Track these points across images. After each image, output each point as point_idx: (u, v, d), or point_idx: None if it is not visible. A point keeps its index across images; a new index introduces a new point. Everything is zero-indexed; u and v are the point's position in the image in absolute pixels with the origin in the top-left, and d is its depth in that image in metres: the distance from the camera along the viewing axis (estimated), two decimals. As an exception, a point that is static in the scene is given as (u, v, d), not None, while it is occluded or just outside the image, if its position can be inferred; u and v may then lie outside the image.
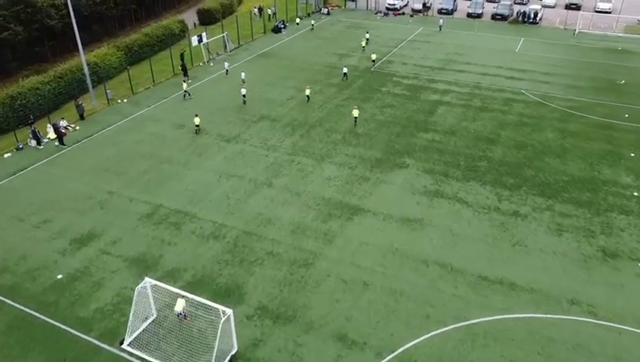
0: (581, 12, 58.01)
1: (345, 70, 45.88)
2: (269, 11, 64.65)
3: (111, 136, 35.47)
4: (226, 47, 52.84)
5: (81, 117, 38.00)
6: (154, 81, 44.84)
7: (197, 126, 35.90)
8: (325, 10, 68.08)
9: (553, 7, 70.80)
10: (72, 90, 41.42)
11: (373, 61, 49.50)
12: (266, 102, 40.93)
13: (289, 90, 43.27)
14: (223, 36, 52.39)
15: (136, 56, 49.61)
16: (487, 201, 27.94)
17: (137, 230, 25.81)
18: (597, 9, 68.42)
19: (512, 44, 55.51)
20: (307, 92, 41.21)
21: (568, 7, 70.09)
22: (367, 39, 56.59)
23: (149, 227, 26.04)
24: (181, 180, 30.08)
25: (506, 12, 64.25)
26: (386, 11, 68.20)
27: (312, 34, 59.89)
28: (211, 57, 50.37)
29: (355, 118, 37.08)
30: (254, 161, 32.18)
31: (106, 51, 46.99)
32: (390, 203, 27.80)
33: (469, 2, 69.61)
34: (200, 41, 48.76)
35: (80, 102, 37.88)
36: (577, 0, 70.73)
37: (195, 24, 63.16)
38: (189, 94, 41.61)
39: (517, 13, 63.88)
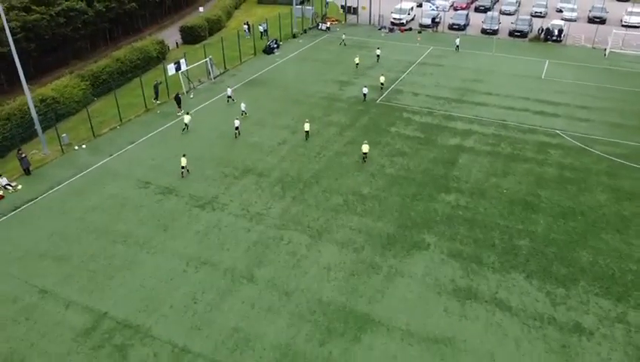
0: (613, 30, 51.26)
1: (365, 90, 41.07)
2: (260, 28, 57.79)
3: (58, 201, 28.61)
4: (209, 73, 46.01)
5: (26, 171, 31.19)
6: (121, 119, 37.99)
7: (183, 167, 30.53)
8: (323, 26, 61.27)
9: (575, 20, 64.03)
10: (22, 134, 34.67)
11: (382, 85, 43.06)
12: (253, 148, 34.13)
13: (281, 130, 36.46)
14: (207, 61, 45.56)
15: (104, 86, 42.78)
16: (537, 306, 21.14)
17: (68, 360, 18.98)
18: (624, 23, 61.69)
19: (536, 67, 48.73)
20: (306, 127, 35.05)
21: (592, 20, 63.39)
22: (378, 55, 50.20)
23: (85, 353, 19.22)
24: (136, 272, 23.24)
25: (525, 28, 57.47)
26: (392, 27, 61.39)
27: (309, 54, 53.08)
28: (192, 87, 43.55)
29: (365, 153, 31.86)
30: (233, 239, 25.36)
31: (67, 82, 40.18)
32: (410, 309, 21.01)
33: (483, 17, 62.86)
34: (178, 69, 41.91)
35: (23, 155, 31.01)
36: (602, 13, 64.04)
37: (177, 43, 56.32)
38: (187, 127, 36.37)
39: (538, 30, 57.06)
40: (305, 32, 60.67)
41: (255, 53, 52.86)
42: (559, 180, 30.20)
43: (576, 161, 32.23)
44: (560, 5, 70.03)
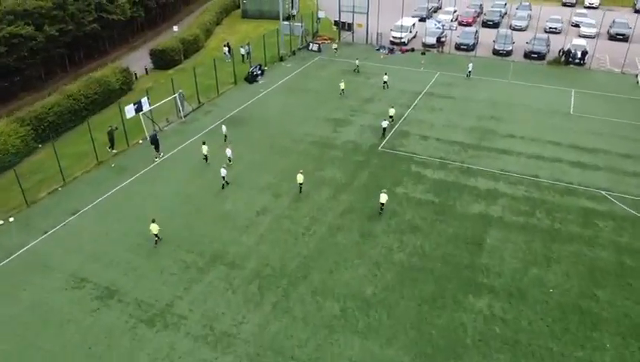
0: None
1: (384, 124, 35.73)
2: (242, 51, 50.64)
3: (-42, 313, 21.46)
4: (179, 110, 38.85)
5: None
6: (64, 178, 30.78)
7: (155, 236, 24.92)
8: (315, 47, 54.18)
9: (594, 37, 57.38)
10: None
11: (391, 119, 36.78)
12: (225, 220, 27.07)
13: (261, 193, 29.42)
14: (176, 96, 38.38)
15: (52, 129, 35.63)
16: None
17: None
18: (650, 40, 55.13)
19: (561, 98, 41.93)
20: (299, 179, 29.00)
21: (613, 37, 56.79)
22: (385, 82, 43.43)
23: None
24: None
25: (542, 49, 50.70)
26: (391, 47, 54.44)
27: (298, 83, 46.02)
28: (156, 130, 36.41)
29: (382, 204, 27.37)
30: (188, 384, 18.33)
31: (2, 128, 32.96)
32: None
33: (492, 33, 56.08)
34: (139, 110, 34.75)
35: None
36: (624, 29, 57.43)
37: (147, 69, 49.09)
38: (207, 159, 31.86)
39: (559, 52, 50.29)
40: (294, 53, 53.55)
41: (235, 82, 45.67)
42: (619, 271, 23.36)
43: (636, 239, 25.40)
44: (576, 20, 63.38)
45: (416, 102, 41.36)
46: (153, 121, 36.37)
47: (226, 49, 50.85)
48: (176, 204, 28.48)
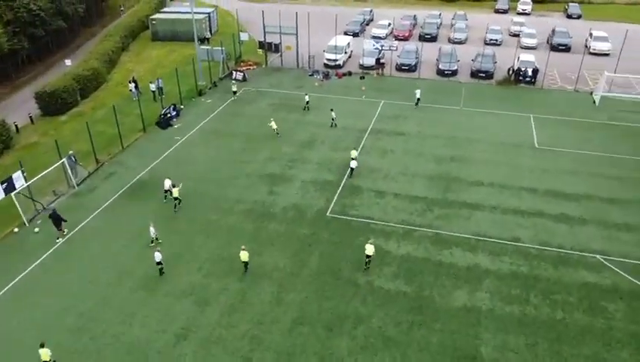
0: (605, 72, 41.16)
1: (353, 165, 31.10)
2: (152, 87, 42.52)
3: None
4: (70, 178, 30.45)
5: None
6: None
7: None
8: (239, 75, 46.92)
9: (535, 48, 54.25)
10: None
11: (352, 170, 31.07)
12: (129, 356, 19.56)
13: (180, 302, 22.04)
14: (64, 161, 29.94)
15: None
16: None
17: None
18: (592, 50, 52.61)
19: (521, 128, 37.44)
20: (243, 257, 23.44)
21: (555, 48, 53.81)
22: (333, 119, 36.96)
23: None
24: None
25: (490, 67, 46.43)
26: (326, 71, 48.26)
27: (222, 124, 38.69)
28: (38, 211, 27.95)
29: (369, 256, 23.52)
30: None
31: None
32: None
33: (432, 49, 51.37)
34: (10, 189, 26.20)
35: None
36: (566, 39, 54.67)
37: (31, 118, 39.81)
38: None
39: (509, 70, 46.17)
40: (215, 84, 46.01)
41: (145, 129, 37.58)
42: (653, 386, 18.33)
43: (657, 329, 20.61)
44: (515, 29, 60.25)
45: (363, 143, 35.32)
46: (33, 200, 27.88)
47: (133, 85, 42.52)
48: (61, 323, 20.60)
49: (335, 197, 29.22)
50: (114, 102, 40.57)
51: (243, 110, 40.84)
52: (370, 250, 23.51)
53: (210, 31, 59.79)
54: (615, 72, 42.82)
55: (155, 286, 22.93)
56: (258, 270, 23.85)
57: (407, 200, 28.99)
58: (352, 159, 31.48)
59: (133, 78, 43.94)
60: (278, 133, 35.89)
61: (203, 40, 55.35)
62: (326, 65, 49.40)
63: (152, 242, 25.36)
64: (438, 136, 36.30)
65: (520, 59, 46.33)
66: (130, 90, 42.52)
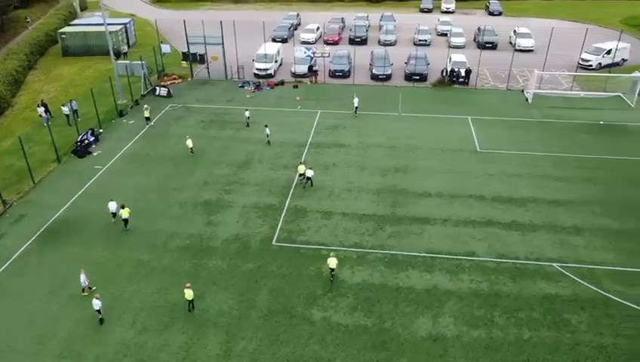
0: (535, 71, 41.55)
1: (310, 173, 30.60)
2: (65, 110, 38.26)
3: None
4: (-28, 226, 26.35)
5: None
6: None
7: None
8: (163, 91, 43.56)
9: (464, 47, 54.69)
10: None
11: (301, 176, 29.53)
12: None
13: (114, 366, 19.21)
14: (-38, 207, 25.82)
15: None
16: None
17: None
18: (517, 47, 53.64)
19: (461, 131, 36.97)
20: (189, 295, 21.42)
21: (482, 46, 54.38)
22: (268, 135, 34.66)
23: None
24: None
25: (424, 69, 45.95)
26: (257, 81, 45.90)
27: (148, 147, 35.35)
28: None
29: (332, 269, 22.95)
30: None
31: None
32: None
33: (364, 53, 50.31)
34: None
35: None
36: (492, 37, 55.45)
37: None
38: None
39: (442, 72, 45.89)
40: (136, 102, 42.35)
41: (59, 159, 33.55)
42: (628, 404, 17.70)
43: (618, 334, 20.11)
44: (442, 29, 60.59)
45: (303, 158, 33.36)
46: None
47: (42, 110, 38.15)
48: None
49: (280, 223, 27.09)
50: (21, 129, 36.59)
51: (170, 130, 37.68)
52: (332, 263, 22.66)
53: (128, 43, 55.60)
54: (543, 69, 43.49)
55: (81, 351, 19.81)
56: (202, 316, 21.32)
57: (356, 219, 27.37)
58: (300, 175, 29.77)
59: (42, 100, 39.54)
60: (192, 153, 33.37)
61: (120, 54, 51.23)
62: (257, 75, 47.04)
63: (83, 291, 22.28)
64: (380, 145, 35.04)
65: (452, 59, 46.16)
66: (40, 115, 38.11)
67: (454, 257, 24.56)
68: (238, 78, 46.71)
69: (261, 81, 46.09)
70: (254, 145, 35.02)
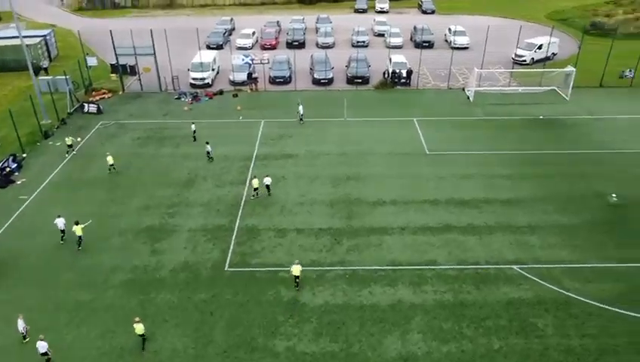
0: (475, 69, 42.02)
1: (267, 181, 29.50)
2: (-19, 135, 34.74)
3: None
4: None
5: None
6: None
7: None
8: (92, 108, 40.49)
9: (401, 47, 54.79)
10: None
11: (256, 190, 28.44)
12: None
13: None
14: None
15: None
16: None
17: None
18: (453, 45, 54.37)
19: (408, 133, 36.64)
20: (139, 330, 19.96)
21: (419, 45, 54.69)
22: (209, 152, 32.73)
23: None
24: None
25: (366, 72, 45.43)
26: (194, 92, 43.71)
27: (79, 171, 32.48)
28: None
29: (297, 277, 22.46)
30: None
31: None
32: None
33: (303, 56, 49.22)
34: None
35: None
36: (428, 36, 55.86)
37: None
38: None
39: (384, 73, 45.56)
40: (63, 121, 39.05)
41: (-25, 193, 30.29)
42: (602, 408, 17.58)
43: (583, 334, 20.11)
44: (379, 29, 60.53)
45: (249, 173, 31.77)
46: None
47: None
48: None
49: (231, 246, 25.46)
50: None
51: (103, 150, 34.85)
52: (296, 270, 22.25)
53: (49, 57, 51.60)
54: (482, 67, 44.09)
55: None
56: (153, 359, 19.41)
57: (312, 235, 26.18)
58: (255, 189, 28.66)
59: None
60: (111, 170, 31.43)
61: (40, 69, 47.35)
62: (193, 86, 44.80)
63: (24, 339, 19.86)
64: (329, 153, 34.05)
65: (392, 61, 45.92)
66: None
67: (416, 267, 23.92)
68: (174, 90, 44.30)
69: (198, 91, 43.93)
70: (197, 161, 33.04)
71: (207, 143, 33.08)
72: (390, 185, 30.38)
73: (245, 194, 29.57)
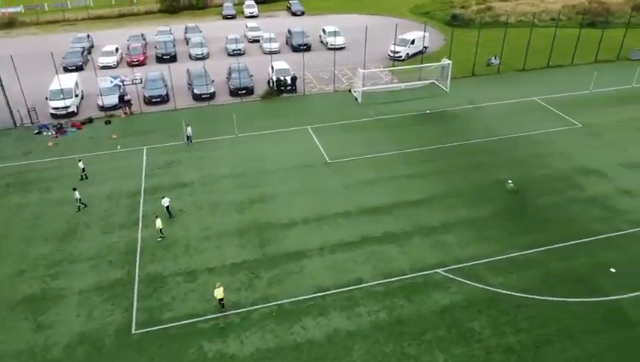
0: (359, 69, 41.75)
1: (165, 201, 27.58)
2: None
3: None
4: None
5: None
6: None
7: None
8: None
9: (279, 52, 53.36)
10: None
11: (161, 231, 25.73)
12: None
13: None
14: None
15: None
16: None
17: None
18: (330, 46, 54.30)
19: (306, 144, 35.26)
20: None
21: (297, 49, 53.85)
22: (78, 199, 28.19)
23: None
24: None
25: (249, 82, 43.18)
26: (58, 123, 38.22)
27: None
28: None
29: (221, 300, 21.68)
30: None
31: None
32: None
33: (178, 71, 45.72)
34: None
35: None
36: (305, 39, 55.07)
37: None
38: None
39: (269, 82, 43.73)
40: None
41: None
42: (553, 405, 17.64)
43: (515, 330, 20.26)
44: (252, 35, 58.46)
45: (141, 212, 28.14)
46: None
47: None
48: None
49: (135, 302, 22.07)
50: None
51: (-49, 208, 28.91)
52: (219, 293, 20.90)
53: None
54: (364, 67, 44.18)
55: None
56: None
57: (225, 272, 23.67)
58: (160, 230, 25.63)
59: None
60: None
61: None
62: (55, 116, 39.15)
63: None
64: (226, 176, 31.50)
65: (275, 68, 44.27)
66: None
67: (344, 290, 22.60)
68: (32, 123, 38.36)
69: (63, 122, 38.48)
70: (75, 206, 28.50)
71: (75, 190, 28.16)
72: (298, 202, 28.77)
73: (140, 237, 26.06)
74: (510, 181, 29.96)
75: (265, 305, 21.83)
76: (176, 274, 23.61)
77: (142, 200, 29.16)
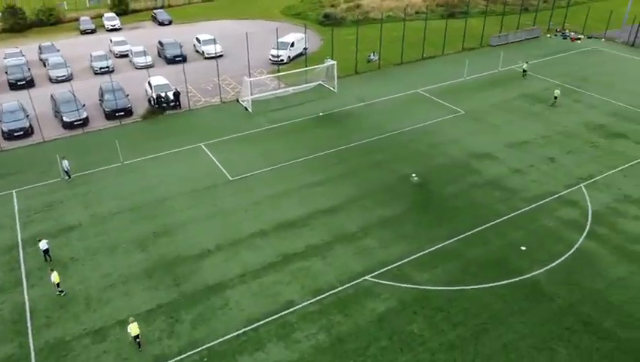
0: (245, 78, 39.74)
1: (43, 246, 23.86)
2: None
3: None
4: None
5: None
6: None
7: None
8: None
9: (152, 66, 49.66)
10: None
11: (61, 289, 20.13)
12: None
13: None
14: None
15: None
16: None
17: None
18: (206, 55, 51.94)
19: (203, 163, 32.89)
20: None
21: (171, 61, 50.70)
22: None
23: None
24: None
25: (126, 103, 39.31)
26: None
27: None
28: None
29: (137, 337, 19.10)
30: None
31: None
32: None
33: (50, 103, 40.41)
34: None
35: None
36: (179, 50, 51.78)
37: None
38: None
39: (149, 100, 40.28)
40: None
41: None
42: (503, 395, 17.90)
43: (453, 325, 20.46)
44: (118, 50, 53.77)
45: (23, 269, 24.07)
46: None
47: None
48: None
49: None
50: None
51: None
52: (134, 329, 19.31)
53: None
54: (250, 75, 42.58)
55: None
56: None
57: (140, 321, 20.86)
58: (57, 284, 21.78)
59: None
60: None
61: None
62: None
63: None
64: (120, 211, 28.22)
65: (153, 84, 40.94)
66: None
67: (276, 317, 21.18)
68: None
69: None
70: None
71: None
72: (206, 228, 26.63)
73: (27, 298, 22.24)
74: (414, 174, 30.57)
75: (193, 351, 19.67)
76: (82, 336, 20.42)
77: (21, 255, 24.99)
